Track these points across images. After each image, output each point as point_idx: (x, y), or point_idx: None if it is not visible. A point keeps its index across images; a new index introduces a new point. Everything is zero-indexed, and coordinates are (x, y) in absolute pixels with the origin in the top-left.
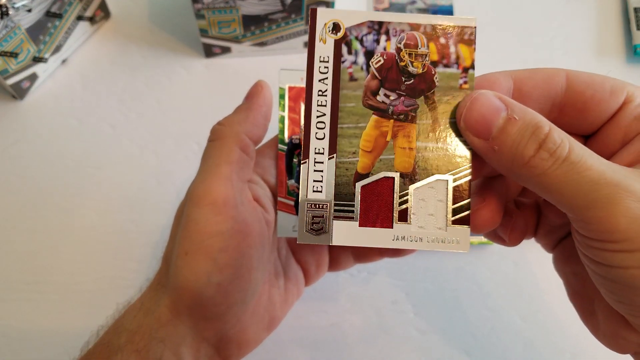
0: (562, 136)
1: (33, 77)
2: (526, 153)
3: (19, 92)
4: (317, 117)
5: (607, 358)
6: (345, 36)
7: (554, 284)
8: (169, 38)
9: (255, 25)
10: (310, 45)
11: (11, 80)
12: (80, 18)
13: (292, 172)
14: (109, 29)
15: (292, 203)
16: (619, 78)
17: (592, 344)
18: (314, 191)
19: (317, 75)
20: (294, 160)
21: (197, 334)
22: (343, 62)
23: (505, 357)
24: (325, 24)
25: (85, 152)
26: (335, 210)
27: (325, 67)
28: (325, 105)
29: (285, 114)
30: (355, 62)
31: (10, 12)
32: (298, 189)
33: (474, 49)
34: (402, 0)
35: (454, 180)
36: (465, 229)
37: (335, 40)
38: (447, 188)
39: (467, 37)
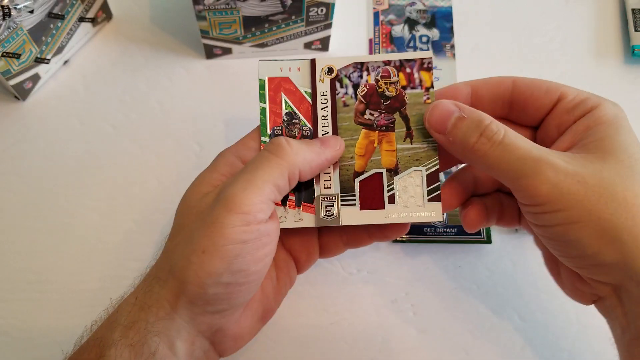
0: (499, 127)
1: (35, 78)
2: (471, 140)
3: (21, 93)
4: (322, 134)
5: (606, 357)
6: (337, 75)
7: (552, 283)
8: (170, 39)
9: (256, 27)
10: (313, 85)
11: (13, 81)
12: (82, 19)
13: None
14: (110, 30)
15: None
16: (617, 79)
17: (591, 343)
18: (325, 188)
19: (319, 105)
20: None
21: (192, 328)
22: (337, 94)
23: (504, 356)
24: (322, 69)
25: (87, 152)
26: (341, 200)
27: (325, 99)
28: (327, 126)
29: (267, 105)
30: (346, 93)
31: (13, 13)
32: None
33: (432, 73)
34: (401, 2)
35: (427, 170)
36: (438, 204)
37: (331, 79)
38: (422, 176)
39: (426, 66)
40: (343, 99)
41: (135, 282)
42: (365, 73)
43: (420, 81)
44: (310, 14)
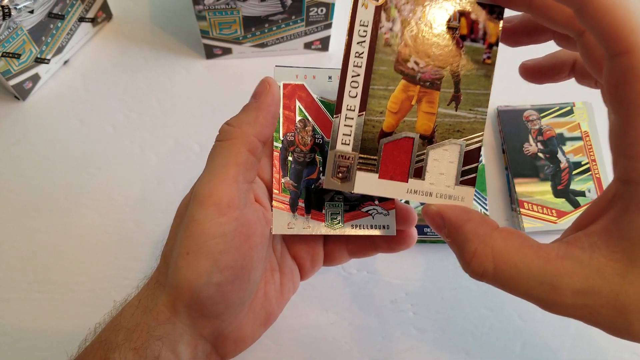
0: (484, 261)
1: (35, 78)
2: (463, 264)
3: (21, 93)
4: (352, 77)
5: (604, 357)
6: (385, 3)
7: None
8: (170, 39)
9: (256, 27)
10: (353, 9)
11: (13, 81)
12: (82, 19)
13: (287, 169)
14: (110, 30)
15: (287, 200)
16: None
17: (589, 343)
18: (342, 144)
19: (355, 38)
20: (289, 158)
21: (194, 332)
22: (381, 27)
23: (503, 356)
24: None
25: (87, 152)
26: (359, 162)
27: (364, 31)
28: (360, 67)
29: (280, 111)
30: (391, 29)
31: (13, 13)
32: (293, 186)
33: (500, 26)
34: None
35: (467, 146)
36: (470, 189)
37: (376, 7)
38: (459, 152)
39: (495, 15)
40: (386, 36)
41: (140, 285)
42: (419, 8)
43: (485, 33)
44: (310, 14)
